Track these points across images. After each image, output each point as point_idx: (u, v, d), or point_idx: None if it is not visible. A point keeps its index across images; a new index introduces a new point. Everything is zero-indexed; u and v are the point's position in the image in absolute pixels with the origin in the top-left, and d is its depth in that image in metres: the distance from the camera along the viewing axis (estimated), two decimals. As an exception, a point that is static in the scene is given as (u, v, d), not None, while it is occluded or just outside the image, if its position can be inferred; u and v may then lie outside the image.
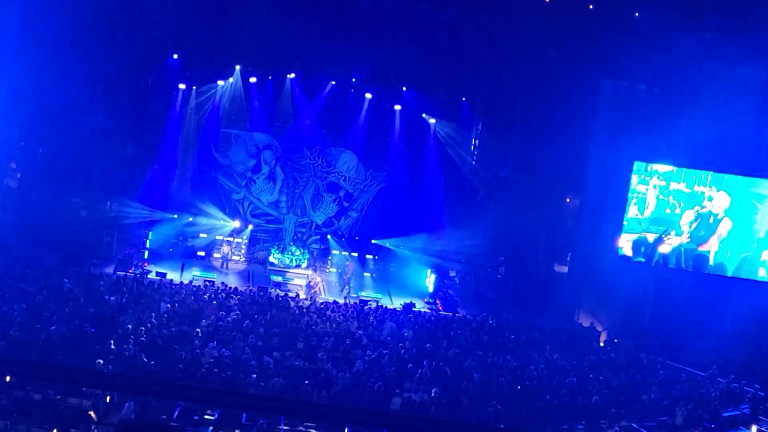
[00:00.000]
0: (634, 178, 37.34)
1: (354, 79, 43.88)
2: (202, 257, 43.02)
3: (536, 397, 26.98)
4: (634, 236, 37.63)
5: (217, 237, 43.75)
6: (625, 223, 37.48)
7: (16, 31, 37.10)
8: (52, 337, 25.53)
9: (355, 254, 44.52)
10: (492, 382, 27.50)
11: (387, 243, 44.85)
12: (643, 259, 37.50)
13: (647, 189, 37.48)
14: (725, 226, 37.55)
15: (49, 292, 30.95)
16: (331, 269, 43.65)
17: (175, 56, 42.28)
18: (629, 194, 37.36)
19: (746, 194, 37.05)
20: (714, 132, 35.95)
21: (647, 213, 37.60)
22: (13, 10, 36.89)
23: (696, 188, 37.18)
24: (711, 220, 37.62)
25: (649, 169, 37.32)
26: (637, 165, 37.32)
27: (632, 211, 37.63)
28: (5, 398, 20.15)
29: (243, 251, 44.22)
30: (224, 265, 42.80)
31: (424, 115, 44.84)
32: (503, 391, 27.04)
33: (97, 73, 38.79)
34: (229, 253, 43.59)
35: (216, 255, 43.45)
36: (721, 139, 36.04)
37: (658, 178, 37.31)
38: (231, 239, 43.97)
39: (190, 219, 43.50)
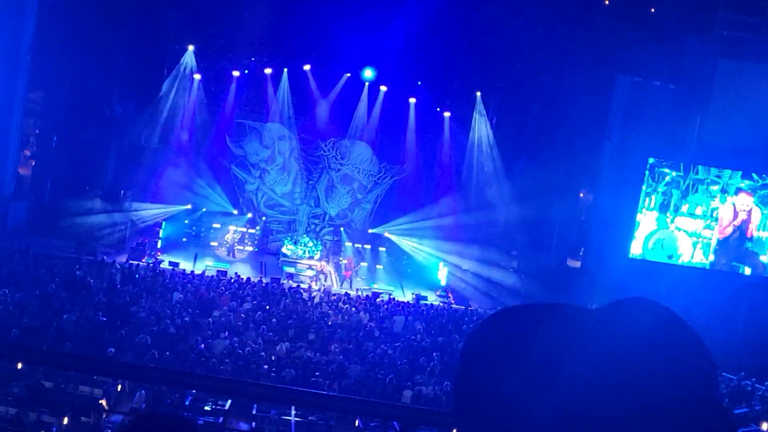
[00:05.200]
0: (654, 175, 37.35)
1: (369, 73, 43.82)
2: (214, 247, 43.16)
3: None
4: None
5: (229, 227, 43.81)
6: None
7: (32, 20, 37.15)
8: (64, 326, 25.62)
9: (368, 246, 44.53)
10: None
11: (392, 236, 44.89)
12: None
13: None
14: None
15: (61, 280, 31.06)
16: (343, 261, 43.65)
17: (191, 47, 42.26)
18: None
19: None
20: (729, 129, 35.84)
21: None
22: (29, -1, 36.98)
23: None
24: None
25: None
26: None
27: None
28: (17, 385, 20.23)
29: (256, 241, 44.26)
30: (230, 254, 42.80)
31: (438, 108, 44.84)
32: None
33: (113, 61, 38.84)
34: (232, 240, 43.48)
35: (216, 243, 43.55)
36: (737, 137, 35.95)
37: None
38: (236, 228, 43.97)
39: (204, 210, 43.57)
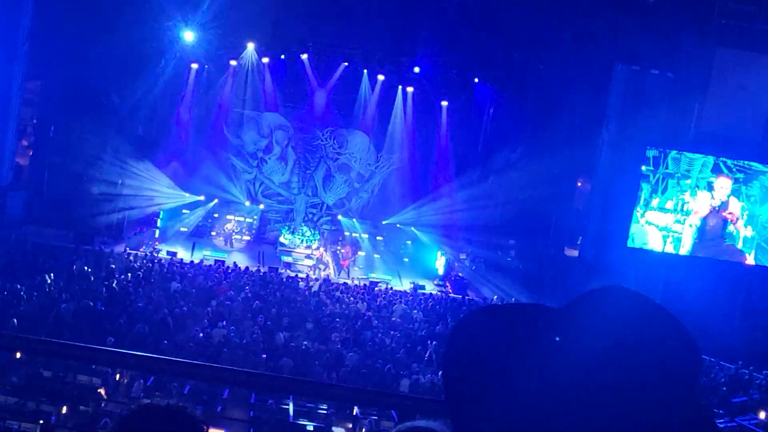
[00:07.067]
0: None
1: (366, 63, 43.74)
2: (212, 236, 43.13)
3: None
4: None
5: (227, 216, 43.75)
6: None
7: (29, 9, 37.05)
8: (62, 315, 25.61)
9: (365, 236, 44.50)
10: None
11: (397, 224, 44.83)
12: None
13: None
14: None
15: (59, 269, 31.04)
16: (341, 250, 43.63)
17: (189, 35, 42.03)
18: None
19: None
20: (727, 118, 35.87)
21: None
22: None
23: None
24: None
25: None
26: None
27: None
28: (15, 375, 20.23)
29: (253, 231, 44.22)
30: (228, 243, 42.77)
31: (435, 97, 44.74)
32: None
33: (110, 50, 38.72)
34: (230, 229, 43.43)
35: (218, 233, 43.49)
36: (735, 125, 35.98)
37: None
38: (237, 218, 43.90)
39: (202, 197, 43.48)
